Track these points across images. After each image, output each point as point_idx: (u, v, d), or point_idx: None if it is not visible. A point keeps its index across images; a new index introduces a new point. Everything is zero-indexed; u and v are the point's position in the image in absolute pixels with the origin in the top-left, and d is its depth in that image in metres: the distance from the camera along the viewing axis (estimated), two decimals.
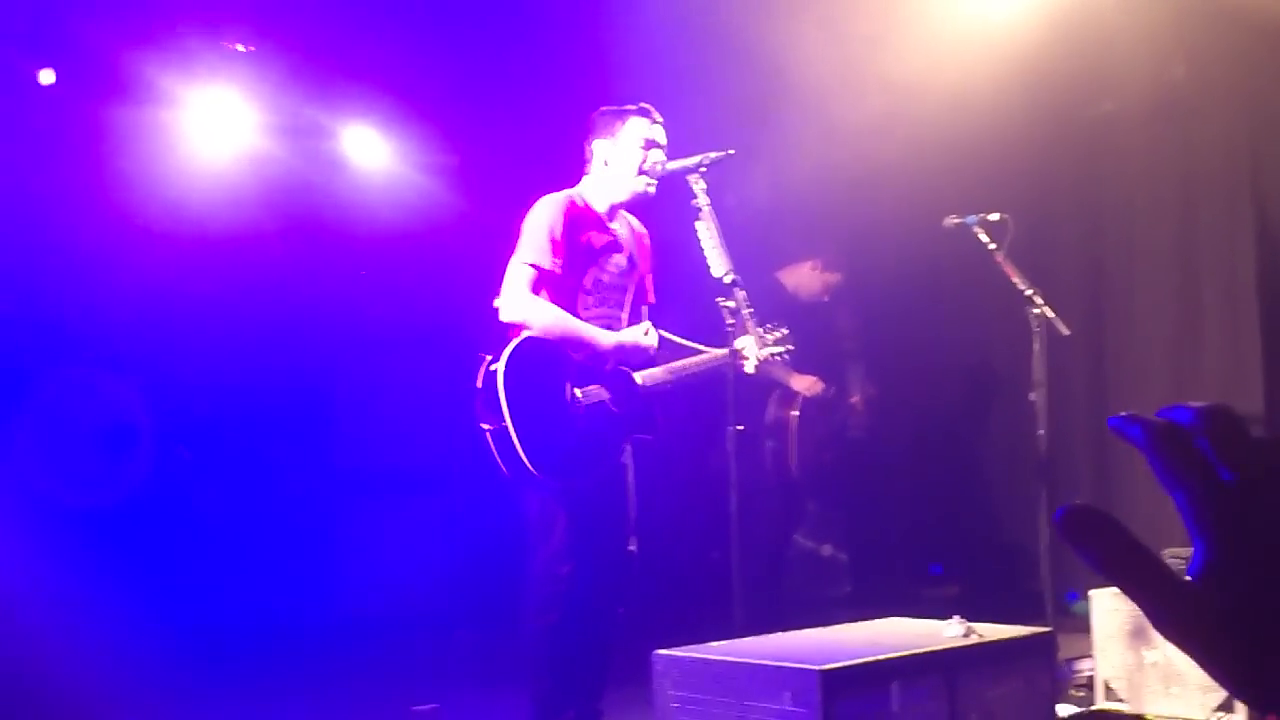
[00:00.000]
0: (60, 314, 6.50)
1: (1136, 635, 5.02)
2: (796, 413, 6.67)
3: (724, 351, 4.76)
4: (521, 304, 4.66)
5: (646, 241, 5.08)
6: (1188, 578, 0.69)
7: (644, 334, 4.85)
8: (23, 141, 6.44)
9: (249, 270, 7.03)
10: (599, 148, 4.88)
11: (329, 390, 7.41)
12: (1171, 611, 0.70)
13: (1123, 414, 0.72)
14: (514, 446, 4.46)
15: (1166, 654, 4.91)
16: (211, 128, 6.95)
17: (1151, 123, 7.21)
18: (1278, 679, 0.68)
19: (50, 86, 6.57)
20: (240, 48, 6.98)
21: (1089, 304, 7.41)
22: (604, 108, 4.94)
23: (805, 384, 6.66)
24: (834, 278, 6.87)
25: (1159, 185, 7.27)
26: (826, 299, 6.85)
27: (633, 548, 4.85)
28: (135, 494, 6.56)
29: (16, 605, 5.70)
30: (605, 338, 4.74)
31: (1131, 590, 0.69)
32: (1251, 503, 0.69)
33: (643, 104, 4.92)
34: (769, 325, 4.94)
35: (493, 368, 4.55)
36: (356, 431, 7.28)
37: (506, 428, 4.47)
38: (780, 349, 4.98)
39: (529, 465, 4.46)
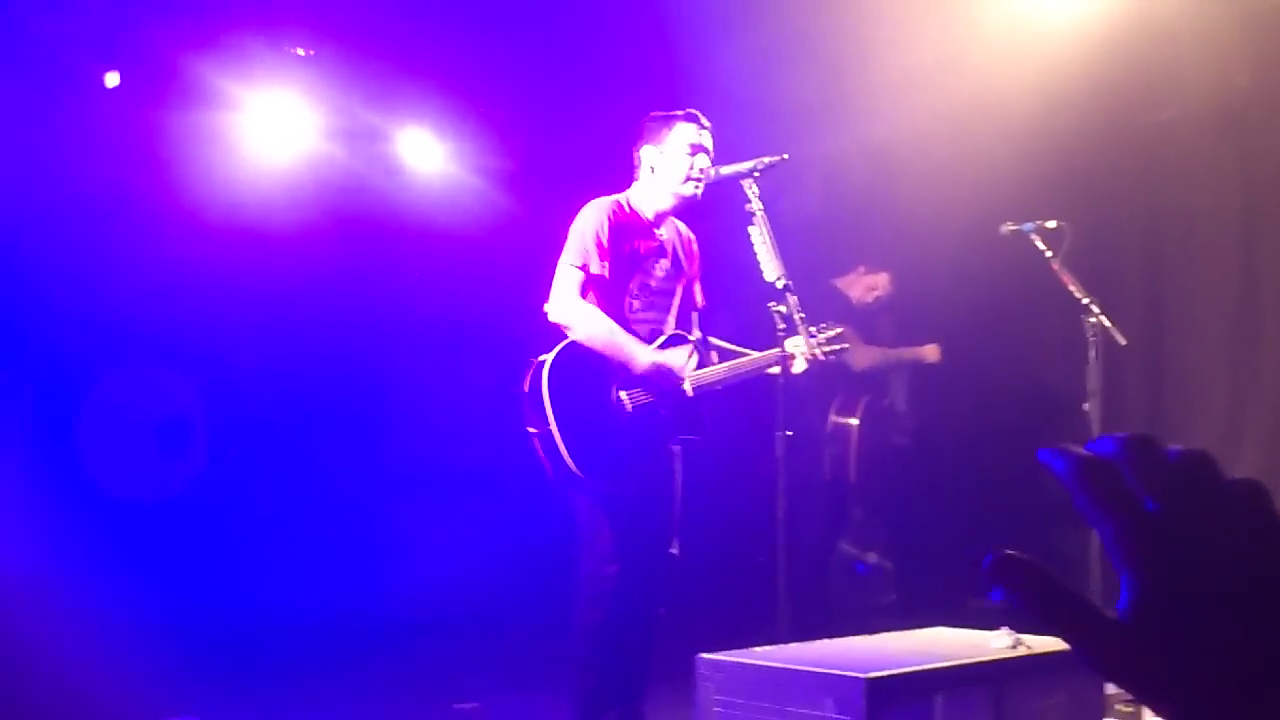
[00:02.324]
0: (121, 312, 6.59)
1: None
2: (858, 420, 6.66)
3: (773, 353, 4.75)
4: (569, 308, 4.68)
5: (694, 246, 5.08)
6: (1118, 616, 0.69)
7: (685, 356, 4.82)
8: (88, 143, 6.55)
9: (305, 271, 7.10)
10: (646, 154, 4.90)
11: (381, 390, 7.47)
12: (1105, 651, 0.69)
13: (1051, 447, 0.72)
14: (559, 450, 4.49)
15: None
16: (271, 130, 7.03)
17: (1213, 130, 7.10)
18: (1213, 713, 0.67)
19: (115, 89, 6.66)
20: (300, 52, 7.05)
21: (1148, 313, 7.32)
22: (653, 114, 4.96)
23: (932, 351, 6.70)
24: (880, 279, 6.85)
25: (1220, 193, 7.16)
26: (871, 300, 6.83)
27: (674, 550, 4.85)
28: (190, 489, 6.64)
29: (74, 597, 5.78)
30: (643, 357, 4.70)
31: (1063, 633, 0.69)
32: (1175, 534, 0.68)
33: (690, 109, 4.92)
34: (821, 324, 4.93)
35: (538, 373, 4.58)
36: (408, 431, 7.33)
37: (551, 431, 4.50)
38: (833, 348, 4.95)
39: (574, 468, 4.49)
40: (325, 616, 6.64)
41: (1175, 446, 0.71)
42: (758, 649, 4.18)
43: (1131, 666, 0.69)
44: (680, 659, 4.30)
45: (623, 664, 4.77)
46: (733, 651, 4.14)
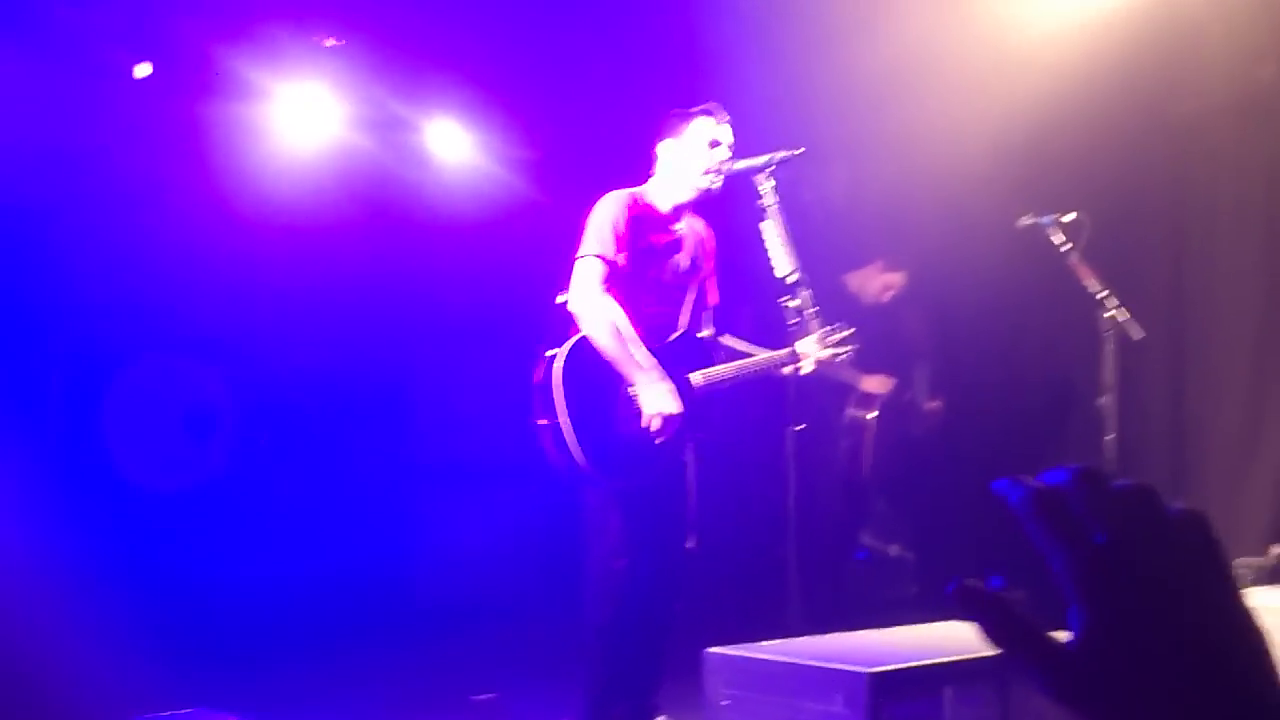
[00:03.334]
0: (150, 301, 6.68)
1: None
2: (875, 414, 6.68)
3: (783, 352, 4.77)
4: (589, 300, 4.69)
5: (710, 243, 5.09)
6: (1069, 644, 0.71)
7: (675, 394, 4.74)
8: (119, 133, 6.62)
9: (333, 261, 7.16)
10: (665, 148, 4.92)
11: (406, 381, 7.53)
12: (1056, 678, 0.71)
13: (1006, 478, 0.74)
14: (568, 443, 4.52)
15: None
16: (300, 121, 7.08)
17: (1237, 122, 7.06)
18: None
19: (146, 80, 6.73)
20: (329, 42, 7.10)
21: (1170, 306, 7.29)
22: (673, 110, 4.98)
23: (875, 384, 6.66)
24: (896, 277, 6.85)
25: (1244, 186, 7.12)
26: (886, 300, 6.84)
27: (691, 545, 4.88)
28: (215, 477, 6.73)
29: (98, 585, 5.88)
30: (641, 380, 4.68)
31: (1018, 662, 0.72)
32: (1120, 565, 0.71)
33: (709, 104, 4.94)
34: (834, 326, 4.92)
35: (550, 365, 4.62)
36: (431, 422, 7.39)
37: (560, 423, 4.53)
38: (843, 350, 4.94)
39: (582, 462, 4.52)
40: (344, 607, 6.72)
41: (1122, 479, 0.74)
42: (766, 643, 4.22)
43: (1082, 693, 0.71)
44: (689, 653, 4.33)
45: (637, 658, 4.80)
46: (741, 646, 4.17)
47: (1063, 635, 0.72)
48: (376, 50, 7.10)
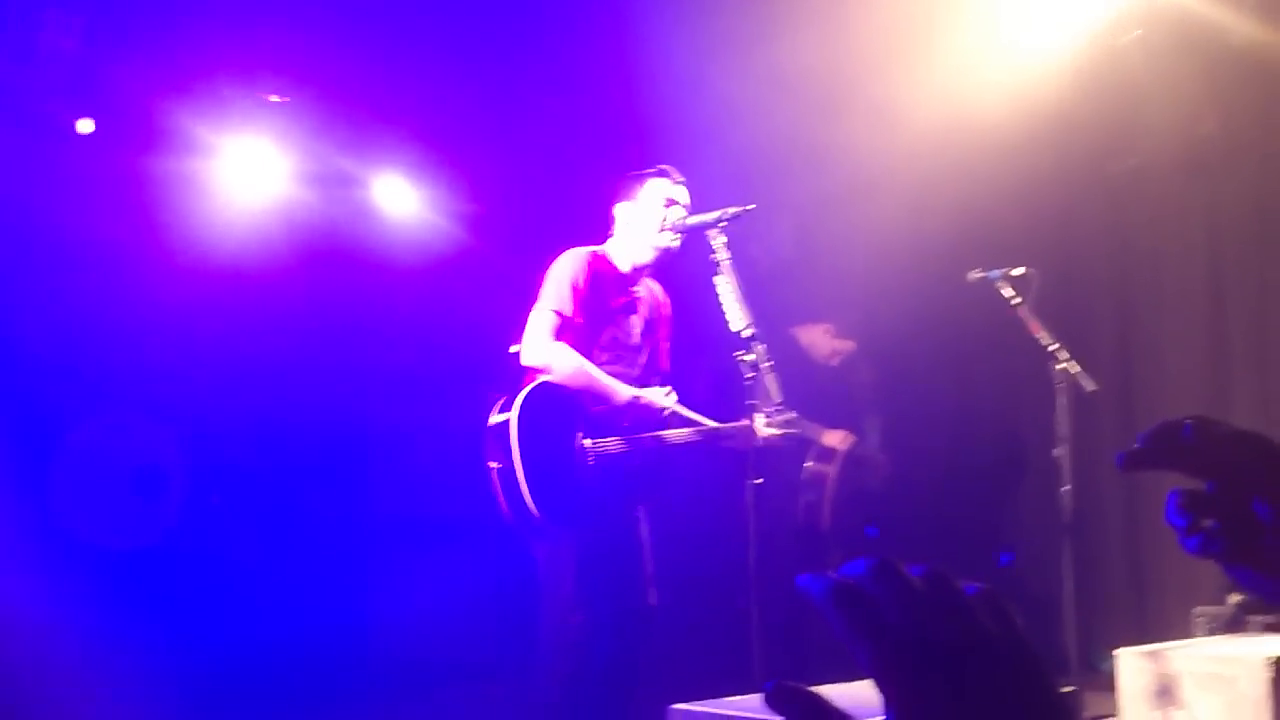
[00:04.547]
0: (95, 358, 6.58)
1: (1163, 695, 4.97)
2: (835, 468, 6.71)
3: (741, 424, 4.77)
4: (544, 349, 4.70)
5: (667, 311, 5.12)
6: None
7: (665, 394, 4.88)
8: (61, 189, 6.54)
9: (280, 316, 7.10)
10: (621, 211, 4.95)
11: (355, 434, 7.46)
12: None
13: (808, 574, 0.75)
14: (519, 488, 4.50)
15: (1194, 715, 4.86)
16: (245, 176, 7.03)
17: (1180, 177, 7.18)
18: None
19: (89, 136, 6.66)
20: (274, 98, 7.07)
21: (1117, 357, 7.38)
22: (629, 173, 5.01)
23: (837, 438, 6.69)
24: (846, 345, 6.91)
25: (1187, 240, 7.23)
26: (835, 363, 6.88)
27: (653, 601, 4.86)
28: (166, 537, 6.62)
29: (49, 646, 5.75)
30: (623, 392, 4.77)
31: None
32: (922, 653, 0.71)
33: (663, 166, 4.98)
34: (776, 407, 4.92)
35: (506, 408, 4.60)
36: (381, 475, 7.32)
37: (514, 467, 4.52)
38: (787, 430, 4.93)
39: (532, 508, 4.50)
40: (300, 664, 6.62)
41: (916, 566, 0.75)
42: (729, 699, 4.19)
43: None
44: (653, 709, 4.29)
45: (598, 715, 4.76)
46: (705, 702, 4.14)
47: None
48: (322, 105, 7.08)
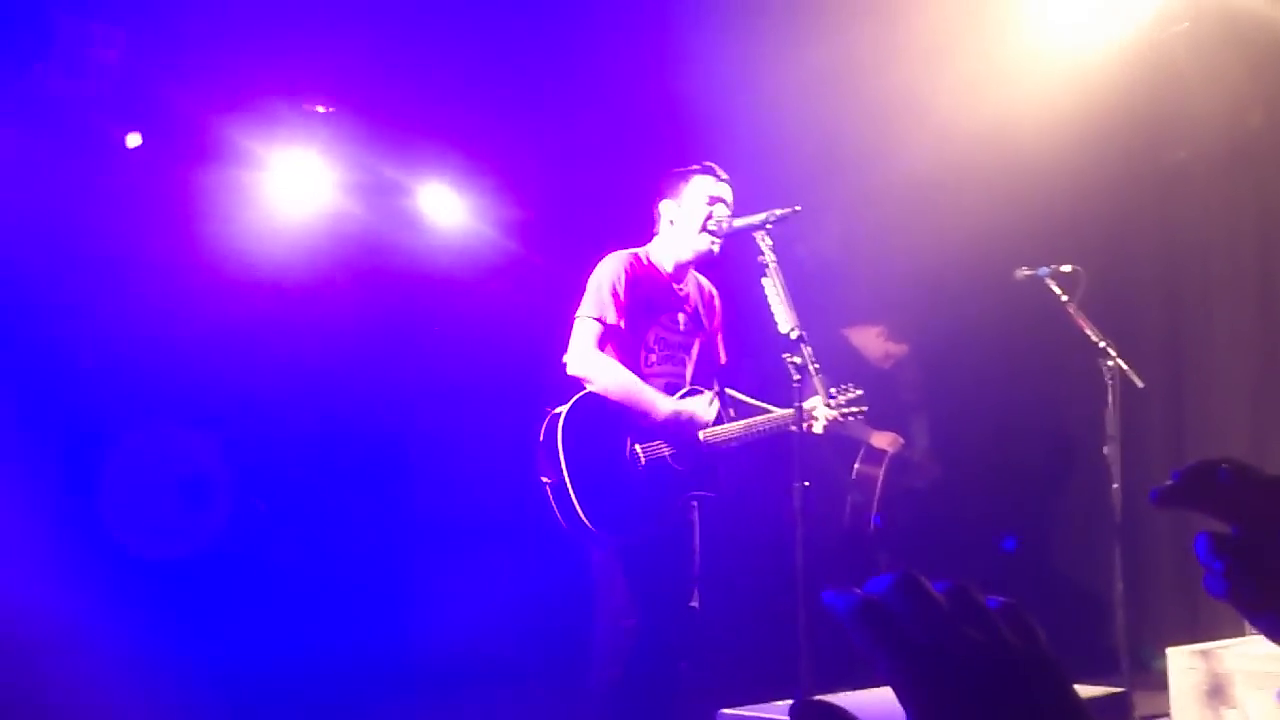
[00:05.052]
0: (143, 369, 6.65)
1: (1214, 694, 4.92)
2: (883, 469, 6.68)
3: (790, 411, 4.75)
4: (586, 360, 4.71)
5: (717, 302, 5.11)
6: None
7: (707, 404, 4.86)
8: (111, 203, 6.61)
9: (327, 326, 7.14)
10: (665, 208, 4.94)
11: (403, 444, 7.49)
12: None
13: (832, 590, 0.75)
14: (571, 501, 4.51)
15: (1247, 714, 4.81)
16: (292, 188, 7.08)
17: (1227, 170, 7.11)
18: None
19: (137, 149, 6.73)
20: (320, 109, 7.12)
21: (1166, 355, 7.31)
22: (672, 169, 5.00)
23: (887, 440, 6.67)
24: (899, 348, 6.87)
25: (1236, 233, 7.17)
26: (888, 366, 6.85)
27: (695, 604, 4.85)
28: (212, 546, 6.67)
29: (96, 656, 5.81)
30: (663, 405, 4.74)
31: None
32: (945, 667, 0.71)
33: (707, 163, 4.96)
34: (843, 386, 4.91)
35: (553, 423, 4.62)
36: (429, 484, 7.35)
37: (564, 481, 4.53)
38: (853, 409, 4.93)
39: (585, 520, 4.51)
40: (344, 672, 6.65)
41: (939, 582, 0.75)
42: (777, 703, 4.18)
43: None
44: (701, 714, 4.29)
45: (646, 718, 4.76)
46: (753, 706, 4.13)
47: None
48: (368, 116, 7.12)
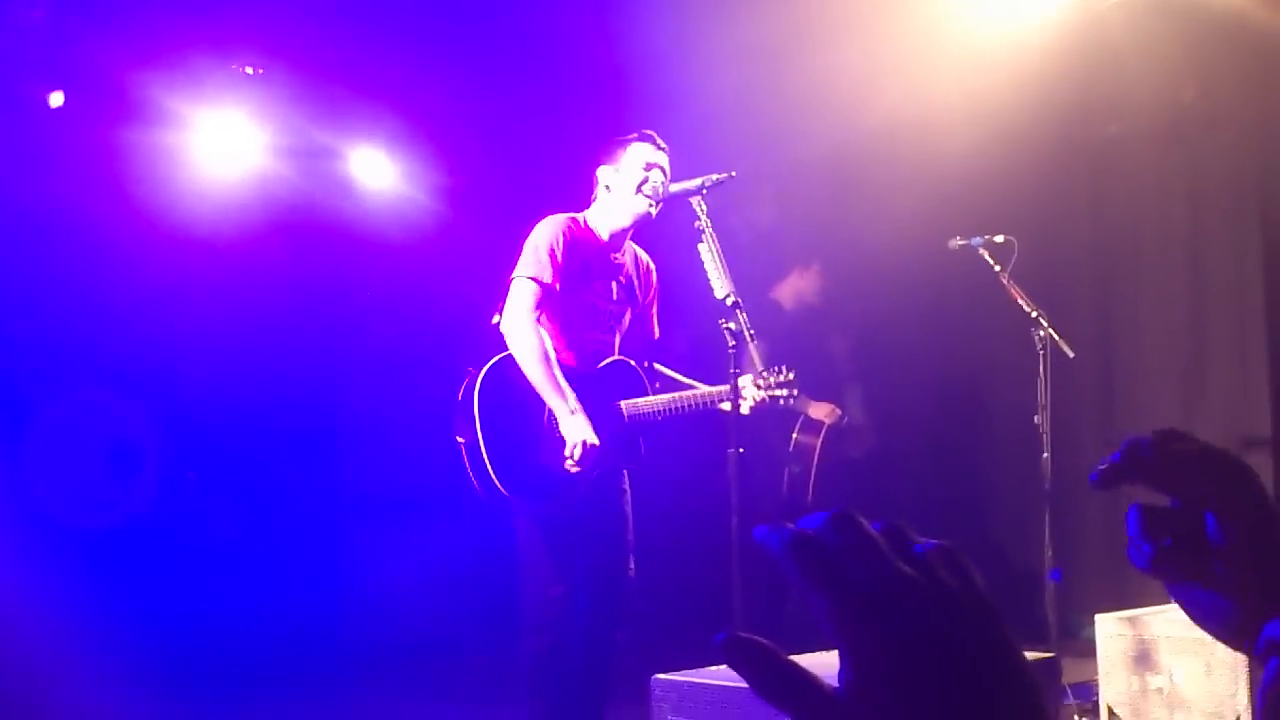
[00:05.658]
0: (69, 334, 6.53)
1: (1141, 660, 4.98)
2: (820, 439, 6.70)
3: (719, 389, 4.72)
4: (519, 324, 4.64)
5: (653, 276, 5.06)
6: (836, 693, 0.69)
7: (591, 431, 4.67)
8: (32, 163, 6.48)
9: (255, 290, 7.06)
10: (603, 174, 4.90)
11: (332, 406, 7.43)
12: None
13: (764, 525, 0.73)
14: (484, 463, 4.47)
15: (1173, 680, 4.88)
16: (219, 149, 6.98)
17: (1159, 144, 7.18)
18: None
19: (60, 109, 6.60)
20: (249, 70, 7.01)
21: (1097, 325, 7.39)
22: (612, 138, 4.96)
23: (824, 411, 6.68)
24: (819, 281, 6.82)
25: (1167, 207, 7.25)
26: (816, 301, 6.81)
27: (631, 571, 4.83)
28: (141, 514, 6.58)
29: (22, 625, 5.71)
30: (561, 409, 4.59)
31: (785, 707, 0.69)
32: (878, 606, 0.69)
33: (646, 131, 4.93)
34: (775, 368, 4.87)
35: (473, 381, 4.57)
36: (358, 447, 7.29)
37: (478, 443, 4.49)
38: (781, 392, 4.87)
39: (498, 483, 4.47)
40: (278, 638, 6.59)
41: (877, 521, 0.73)
42: (712, 668, 4.17)
43: None
44: (636, 680, 4.28)
45: (580, 686, 4.73)
46: (687, 671, 4.13)
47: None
48: (297, 77, 7.02)
